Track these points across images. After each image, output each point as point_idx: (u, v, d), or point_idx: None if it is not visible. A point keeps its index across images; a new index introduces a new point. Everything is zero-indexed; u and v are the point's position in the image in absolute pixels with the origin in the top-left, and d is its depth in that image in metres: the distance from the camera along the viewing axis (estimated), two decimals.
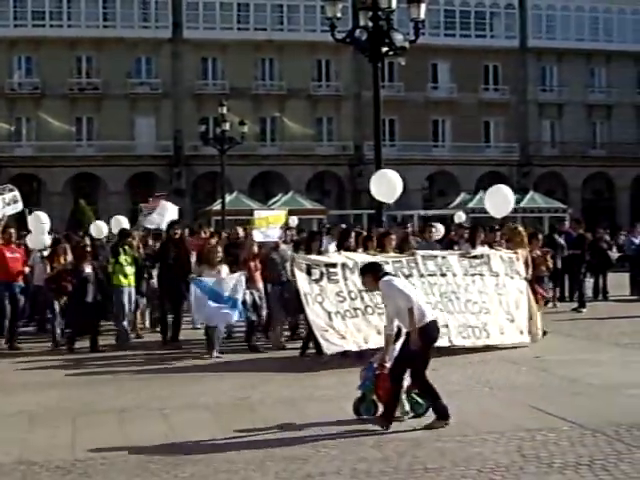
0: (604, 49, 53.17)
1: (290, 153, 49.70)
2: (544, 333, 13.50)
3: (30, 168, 47.04)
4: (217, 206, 36.93)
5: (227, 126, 32.36)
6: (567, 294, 20.19)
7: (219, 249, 13.26)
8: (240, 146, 34.06)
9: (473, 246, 13.38)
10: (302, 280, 11.66)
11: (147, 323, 15.82)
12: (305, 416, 8.29)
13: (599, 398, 9.14)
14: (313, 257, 12.25)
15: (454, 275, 12.58)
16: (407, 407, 8.13)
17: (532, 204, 43.19)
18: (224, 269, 12.82)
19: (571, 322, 16.10)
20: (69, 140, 48.72)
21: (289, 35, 50.08)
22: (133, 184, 47.84)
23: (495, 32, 52.72)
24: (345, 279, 11.81)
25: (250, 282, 12.99)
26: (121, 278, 13.80)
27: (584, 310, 17.97)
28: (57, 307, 13.83)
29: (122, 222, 18.73)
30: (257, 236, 13.69)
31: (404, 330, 8.01)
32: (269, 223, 14.05)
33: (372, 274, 8.35)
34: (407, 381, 8.05)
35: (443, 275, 12.50)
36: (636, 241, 22.52)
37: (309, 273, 11.77)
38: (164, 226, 15.85)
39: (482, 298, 12.63)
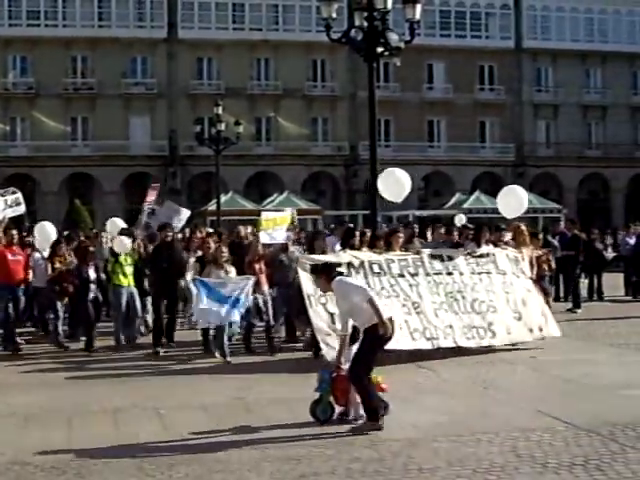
0: (599, 50, 53.18)
1: (285, 153, 49.62)
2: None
3: (25, 168, 46.79)
4: (212, 206, 36.86)
5: (222, 126, 32.25)
6: (562, 294, 20.23)
7: (224, 249, 13.05)
8: (235, 146, 33.96)
9: (478, 245, 13.32)
10: (306, 281, 11.28)
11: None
12: (300, 416, 8.29)
13: (594, 398, 9.15)
14: (318, 257, 11.83)
15: (461, 274, 12.53)
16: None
17: (527, 205, 43.01)
18: (233, 270, 12.68)
19: (566, 322, 16.10)
20: (64, 140, 48.54)
21: (284, 35, 49.98)
22: (128, 184, 47.70)
23: (490, 33, 52.68)
24: None
25: (256, 285, 12.68)
26: (121, 278, 13.76)
27: (579, 310, 18.02)
28: (60, 308, 13.80)
29: (118, 224, 18.69)
30: (264, 238, 13.48)
31: (362, 329, 7.95)
32: (276, 225, 13.82)
33: (325, 275, 8.30)
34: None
35: (449, 274, 12.45)
36: (631, 241, 22.56)
37: None
38: (180, 226, 16.11)
39: (489, 297, 12.57)
